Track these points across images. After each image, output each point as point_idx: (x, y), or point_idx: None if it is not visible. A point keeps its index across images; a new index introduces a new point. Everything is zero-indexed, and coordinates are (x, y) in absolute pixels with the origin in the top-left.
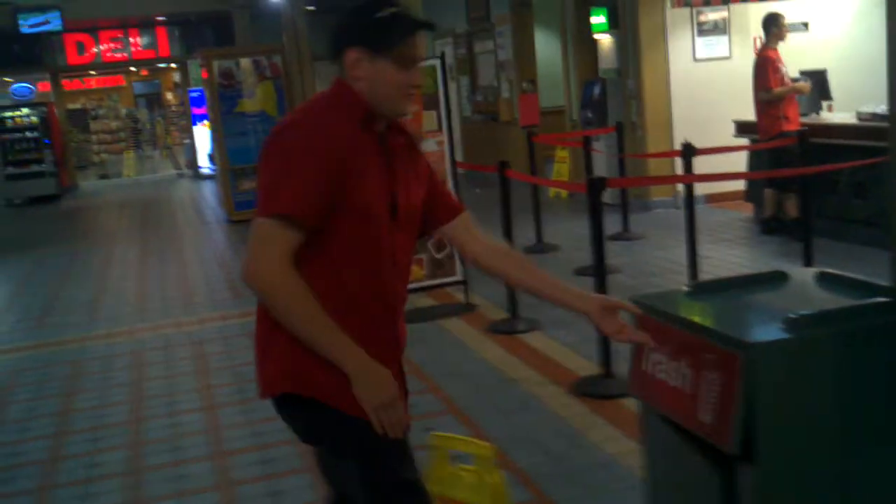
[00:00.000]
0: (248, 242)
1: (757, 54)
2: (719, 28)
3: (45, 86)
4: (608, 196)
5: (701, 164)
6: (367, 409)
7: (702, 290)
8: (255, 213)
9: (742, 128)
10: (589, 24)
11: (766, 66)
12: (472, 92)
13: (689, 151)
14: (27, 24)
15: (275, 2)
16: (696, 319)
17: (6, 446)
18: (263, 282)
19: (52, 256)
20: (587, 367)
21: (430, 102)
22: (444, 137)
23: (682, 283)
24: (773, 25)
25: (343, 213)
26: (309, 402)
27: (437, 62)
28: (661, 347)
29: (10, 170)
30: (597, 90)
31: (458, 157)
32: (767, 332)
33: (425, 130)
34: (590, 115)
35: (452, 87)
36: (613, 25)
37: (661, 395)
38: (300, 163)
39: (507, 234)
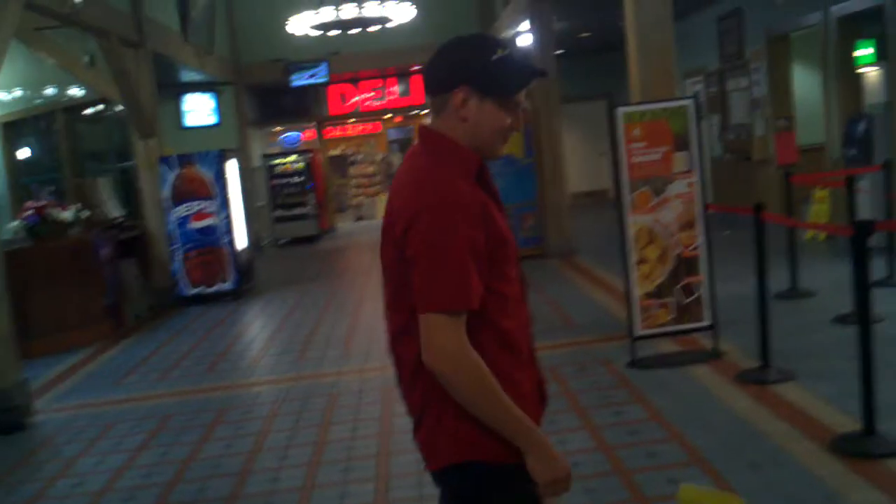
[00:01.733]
0: (422, 333)
1: None
2: None
3: (309, 134)
4: (874, 239)
5: None
6: (540, 482)
7: None
8: (420, 301)
9: None
10: (853, 57)
11: None
12: (723, 130)
13: None
14: (297, 78)
15: (525, 47)
16: None
17: (267, 472)
18: (448, 365)
19: (312, 293)
20: (846, 422)
21: (681, 143)
22: (696, 179)
23: None
24: None
25: (494, 276)
26: (477, 466)
27: (689, 102)
28: None
29: (279, 212)
30: (862, 126)
31: (708, 198)
32: None
33: (675, 172)
34: (854, 152)
35: (703, 126)
36: (882, 57)
37: None
38: (451, 251)
39: (761, 277)
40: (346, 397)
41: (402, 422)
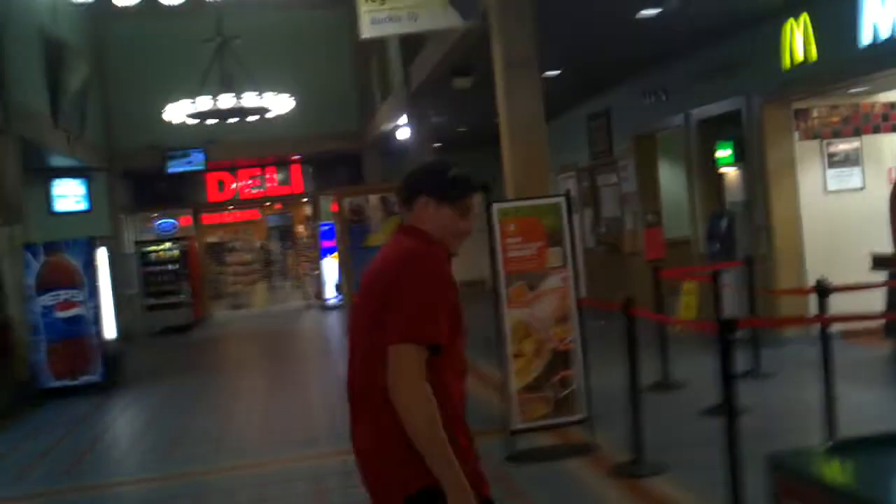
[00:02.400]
0: (392, 362)
1: (893, 185)
2: (851, 159)
3: (186, 220)
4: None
5: (836, 299)
6: None
7: (843, 448)
8: (394, 334)
9: (879, 261)
10: (714, 157)
11: None
12: (596, 223)
13: (823, 290)
14: (173, 165)
15: (403, 141)
16: (840, 484)
17: None
18: (408, 397)
19: (183, 387)
20: None
21: (555, 239)
22: (569, 273)
23: (815, 427)
24: None
25: (453, 333)
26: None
27: (561, 200)
28: None
29: (150, 300)
30: (724, 223)
31: (582, 290)
32: None
33: (549, 266)
34: (717, 247)
35: (576, 218)
36: (740, 158)
37: None
38: (436, 294)
39: (632, 371)
40: (215, 497)
41: None
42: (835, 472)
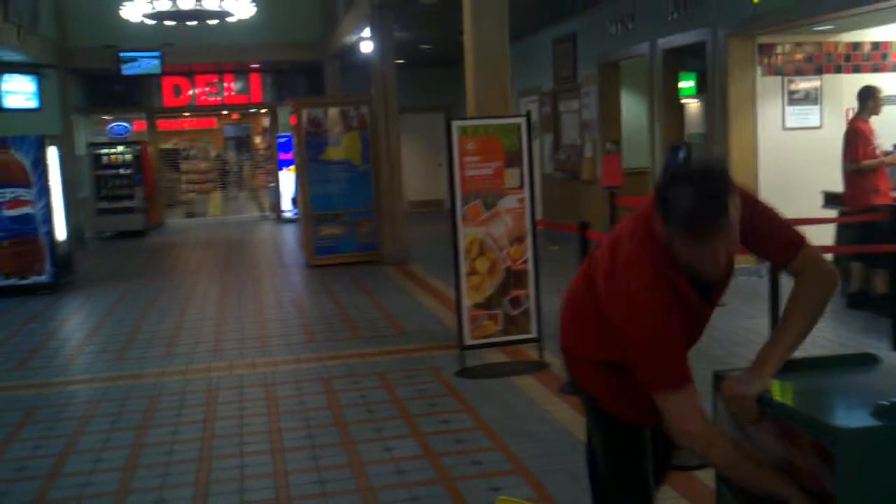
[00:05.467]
0: (669, 412)
1: (848, 125)
2: (811, 97)
3: (140, 125)
4: None
5: None
6: None
7: (788, 368)
8: (657, 386)
9: (830, 199)
10: (677, 88)
11: (856, 138)
12: (555, 150)
13: None
14: (128, 67)
15: (365, 54)
16: (784, 402)
17: (78, 476)
18: (700, 440)
19: (136, 290)
20: None
21: (514, 160)
22: (526, 195)
23: None
24: (870, 98)
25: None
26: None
27: (521, 120)
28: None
29: (103, 204)
30: (682, 154)
31: (538, 214)
32: (856, 418)
33: (507, 187)
34: None
35: (535, 144)
36: (702, 90)
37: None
38: (657, 334)
39: None
40: (168, 399)
41: (226, 425)
42: (779, 391)
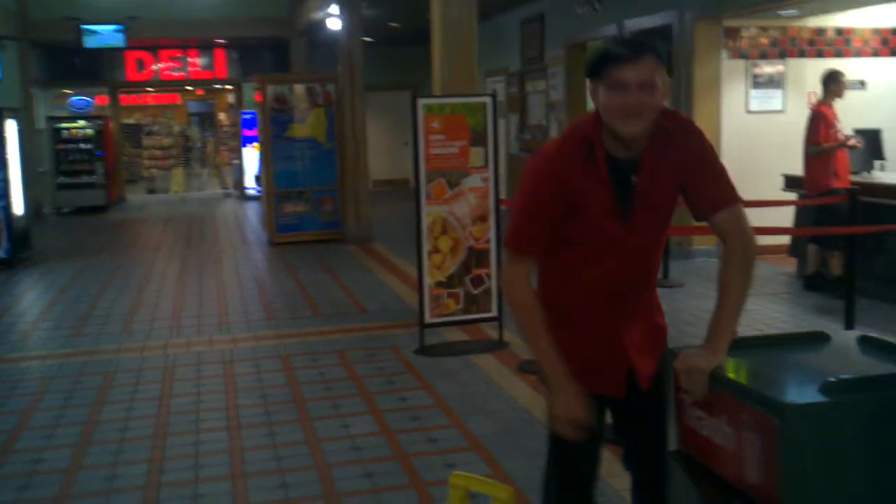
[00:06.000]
0: (502, 267)
1: (811, 109)
2: (775, 81)
3: (102, 100)
4: None
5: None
6: (548, 413)
7: (740, 346)
8: (504, 240)
9: (791, 182)
10: None
11: (818, 121)
12: (521, 130)
13: None
14: (90, 40)
15: (333, 31)
16: (734, 377)
17: (30, 452)
18: (506, 296)
19: (94, 267)
20: None
21: (478, 139)
22: (490, 174)
23: None
24: (832, 82)
25: (573, 228)
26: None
27: (487, 99)
28: (700, 403)
29: (62, 179)
30: None
31: (502, 194)
32: (804, 394)
33: (471, 166)
34: None
35: (501, 123)
36: (667, 73)
37: (707, 451)
38: (526, 201)
39: None
40: (124, 376)
41: (183, 402)
42: (729, 367)
